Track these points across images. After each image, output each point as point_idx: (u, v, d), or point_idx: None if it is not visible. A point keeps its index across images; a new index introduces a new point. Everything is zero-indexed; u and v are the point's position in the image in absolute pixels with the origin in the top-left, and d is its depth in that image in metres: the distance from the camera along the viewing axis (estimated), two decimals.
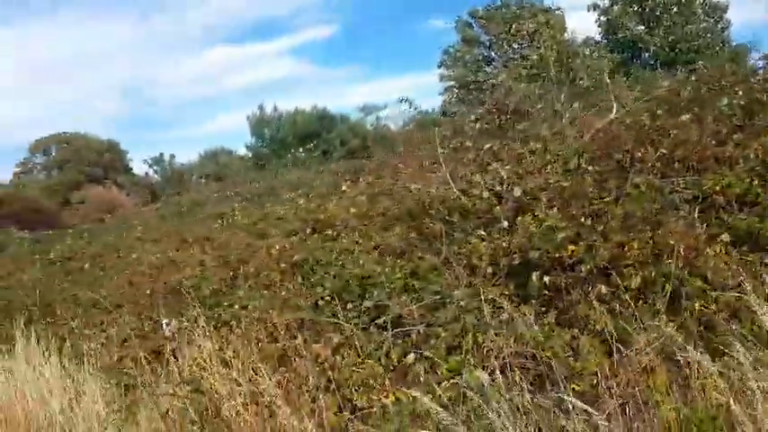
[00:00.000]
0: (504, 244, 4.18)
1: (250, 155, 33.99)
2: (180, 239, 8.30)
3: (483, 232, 4.44)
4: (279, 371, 3.94)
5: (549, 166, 4.79)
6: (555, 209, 4.15)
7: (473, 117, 8.63)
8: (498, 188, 4.55)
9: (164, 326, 5.02)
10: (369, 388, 3.58)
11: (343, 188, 6.35)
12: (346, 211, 5.42)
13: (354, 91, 61.59)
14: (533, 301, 3.88)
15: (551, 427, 2.96)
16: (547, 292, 3.92)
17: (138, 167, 40.81)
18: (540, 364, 3.41)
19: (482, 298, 3.66)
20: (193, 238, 7.77)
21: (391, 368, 3.70)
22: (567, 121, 5.25)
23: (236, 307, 4.53)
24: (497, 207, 4.48)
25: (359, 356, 3.84)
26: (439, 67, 27.99)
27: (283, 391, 3.77)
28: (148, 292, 6.07)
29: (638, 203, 4.21)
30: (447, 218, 4.71)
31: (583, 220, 4.05)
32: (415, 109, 8.73)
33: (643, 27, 25.28)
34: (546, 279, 3.90)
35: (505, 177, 4.54)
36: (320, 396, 3.69)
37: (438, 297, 3.97)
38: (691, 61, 20.68)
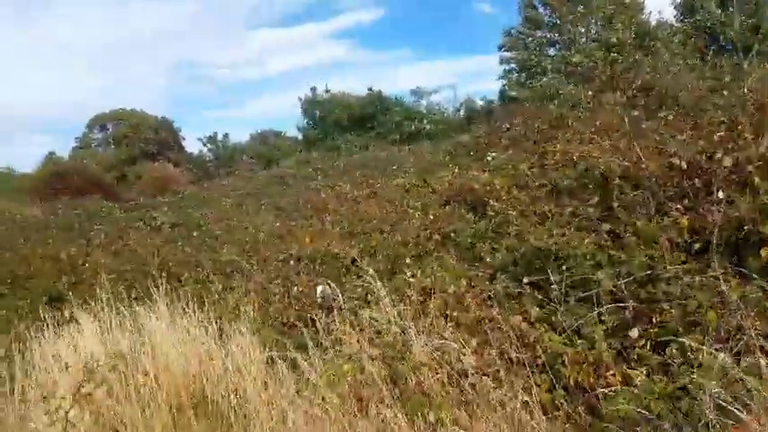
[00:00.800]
0: (713, 219, 3.83)
1: (301, 136, 34.00)
2: (282, 210, 8.18)
3: (680, 206, 4.10)
4: (471, 343, 3.70)
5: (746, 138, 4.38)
6: None
7: (590, 92, 8.21)
8: (698, 158, 4.17)
9: (317, 291, 4.83)
10: (587, 366, 3.31)
11: (488, 158, 6.04)
12: (502, 182, 5.11)
13: (399, 75, 61.07)
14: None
15: None
16: None
17: (192, 145, 41.38)
18: None
19: (716, 275, 3.33)
20: (305, 209, 7.62)
21: (606, 347, 3.41)
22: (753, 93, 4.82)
23: (408, 274, 4.30)
24: (697, 179, 4.12)
25: (563, 332, 3.57)
26: (499, 49, 27.31)
27: (484, 365, 3.55)
28: (281, 258, 5.92)
29: None
30: (631, 192, 4.37)
31: None
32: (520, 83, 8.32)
33: (721, 11, 24.06)
34: None
35: (705, 148, 4.17)
36: (524, 372, 3.45)
37: (649, 272, 3.65)
38: None
